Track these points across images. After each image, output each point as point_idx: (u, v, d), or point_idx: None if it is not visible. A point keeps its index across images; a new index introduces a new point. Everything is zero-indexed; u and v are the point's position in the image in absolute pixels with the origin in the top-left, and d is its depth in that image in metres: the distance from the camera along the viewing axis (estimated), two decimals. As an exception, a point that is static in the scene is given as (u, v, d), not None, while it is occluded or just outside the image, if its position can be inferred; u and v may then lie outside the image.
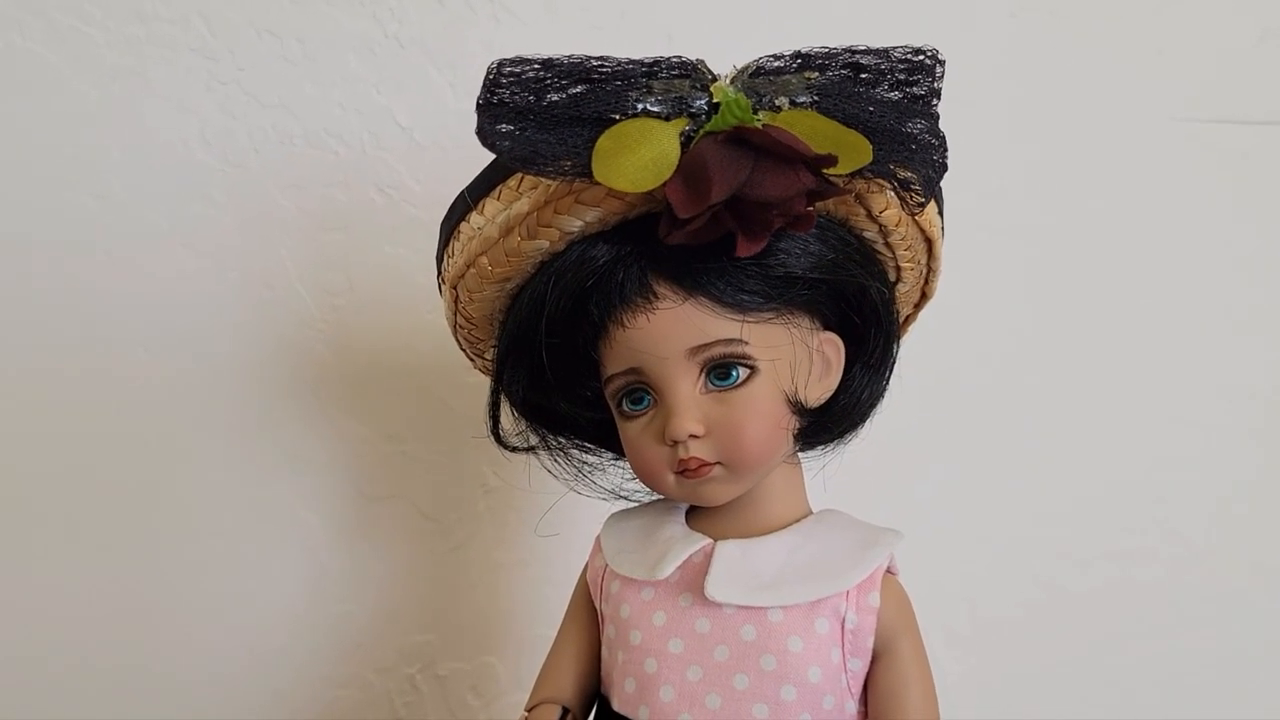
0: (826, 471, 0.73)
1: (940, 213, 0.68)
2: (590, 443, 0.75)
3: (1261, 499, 1.15)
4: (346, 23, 1.05)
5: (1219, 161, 1.15)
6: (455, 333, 0.74)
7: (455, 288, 0.69)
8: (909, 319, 0.76)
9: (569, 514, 0.90)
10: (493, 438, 0.73)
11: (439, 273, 0.71)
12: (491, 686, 1.10)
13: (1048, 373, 1.13)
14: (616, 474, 0.76)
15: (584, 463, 0.76)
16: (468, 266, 0.66)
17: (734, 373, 0.63)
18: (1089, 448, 1.13)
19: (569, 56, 0.58)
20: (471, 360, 0.78)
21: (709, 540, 0.67)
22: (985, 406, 1.13)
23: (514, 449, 0.74)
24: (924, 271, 0.70)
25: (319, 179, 1.06)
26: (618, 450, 0.73)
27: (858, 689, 0.65)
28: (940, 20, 1.11)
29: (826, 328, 0.67)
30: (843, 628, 0.64)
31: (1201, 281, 1.14)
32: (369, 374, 1.07)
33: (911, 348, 0.80)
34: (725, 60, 0.61)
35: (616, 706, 0.67)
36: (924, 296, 0.73)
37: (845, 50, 0.59)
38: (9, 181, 1.04)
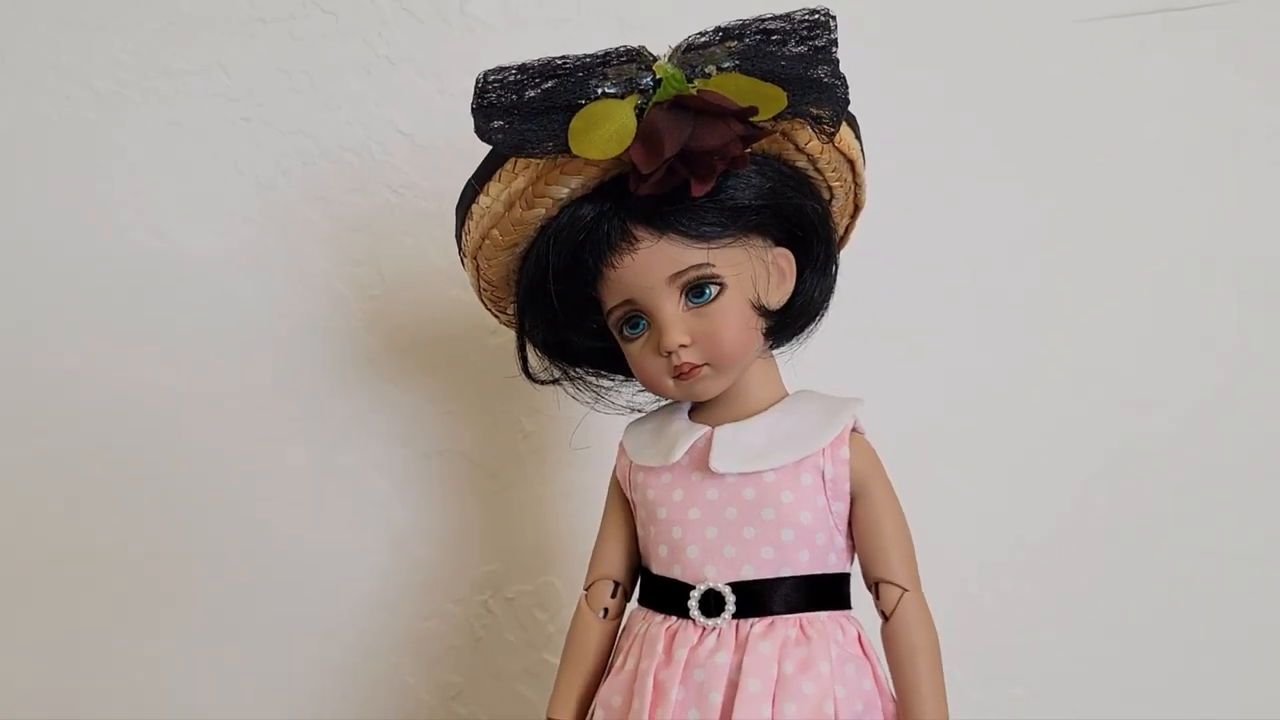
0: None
1: (858, 139, 0.81)
2: (603, 369, 0.88)
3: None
4: (343, 51, 1.18)
5: (1126, 57, 1.22)
6: (480, 296, 0.87)
7: (475, 258, 0.81)
8: (849, 229, 0.88)
9: (595, 438, 1.05)
10: (524, 375, 0.86)
11: (460, 249, 0.84)
12: (554, 601, 1.22)
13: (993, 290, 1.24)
14: (627, 393, 0.89)
15: (600, 387, 0.89)
16: (483, 239, 0.79)
17: (707, 290, 0.76)
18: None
19: (538, 60, 0.70)
20: (496, 317, 0.91)
21: (708, 427, 0.80)
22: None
23: (542, 382, 0.88)
24: (851, 188, 0.82)
25: (340, 189, 1.19)
26: (625, 372, 0.86)
27: (843, 526, 0.79)
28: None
29: (778, 244, 0.79)
30: (823, 478, 0.77)
31: (1120, 175, 1.23)
32: (408, 349, 1.20)
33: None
34: (672, 33, 0.73)
35: (656, 571, 0.81)
36: (856, 208, 0.85)
37: (755, 20, 0.71)
38: (77, 232, 1.18)
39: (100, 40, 1.17)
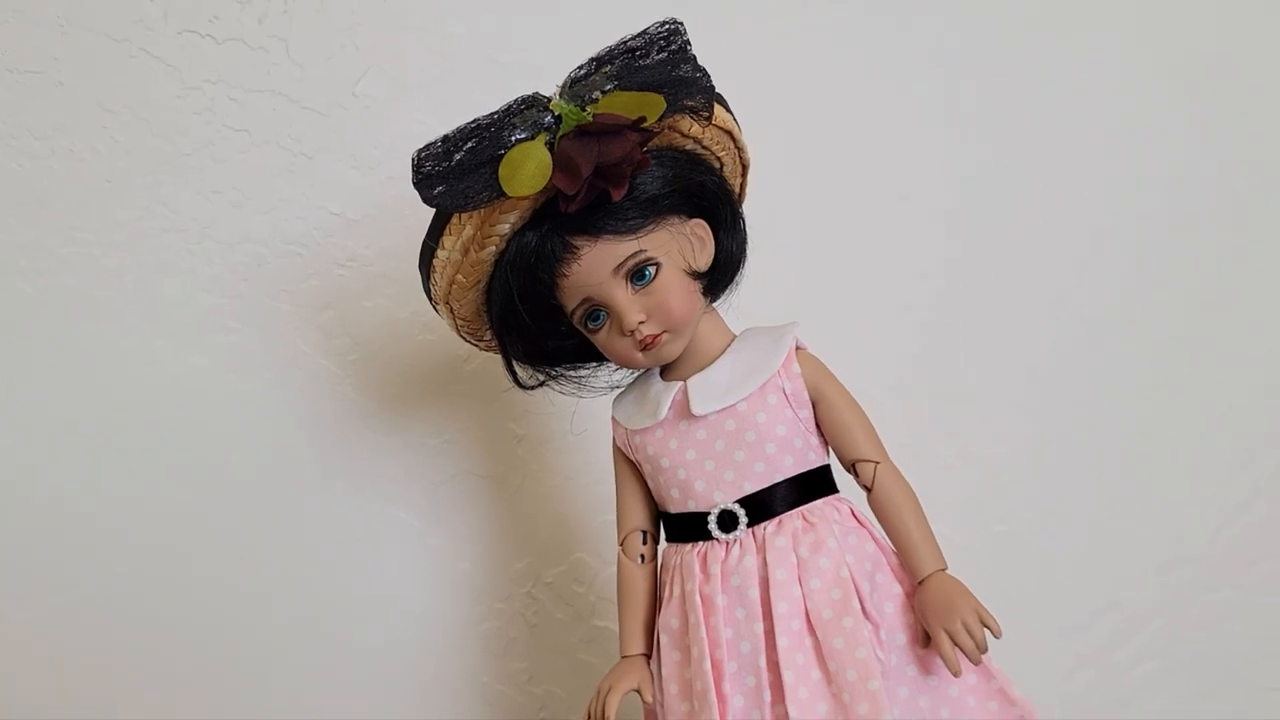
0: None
1: (729, 111, 0.92)
2: (579, 362, 1.00)
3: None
4: (263, 160, 1.29)
5: None
6: (459, 333, 0.98)
7: (447, 303, 0.93)
8: (743, 186, 0.99)
9: (588, 422, 1.17)
10: (516, 385, 0.98)
11: (430, 299, 0.95)
12: (587, 573, 1.33)
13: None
14: (604, 375, 1.01)
15: (580, 378, 1.01)
16: (450, 285, 0.91)
17: (647, 272, 0.88)
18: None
19: (455, 129, 0.82)
20: (475, 346, 1.01)
21: (681, 381, 0.93)
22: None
23: (531, 388, 0.99)
24: (735, 153, 0.94)
25: (296, 278, 1.29)
26: (599, 358, 0.98)
27: (812, 427, 0.92)
28: None
29: (691, 217, 0.91)
30: (785, 394, 0.90)
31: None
32: (396, 397, 1.31)
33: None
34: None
35: (674, 510, 0.93)
36: (744, 167, 0.97)
37: (619, 44, 0.84)
38: (79, 382, 1.29)
39: (49, 213, 1.28)
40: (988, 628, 0.84)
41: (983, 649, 0.84)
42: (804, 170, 1.32)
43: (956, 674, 0.84)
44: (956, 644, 0.84)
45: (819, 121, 1.34)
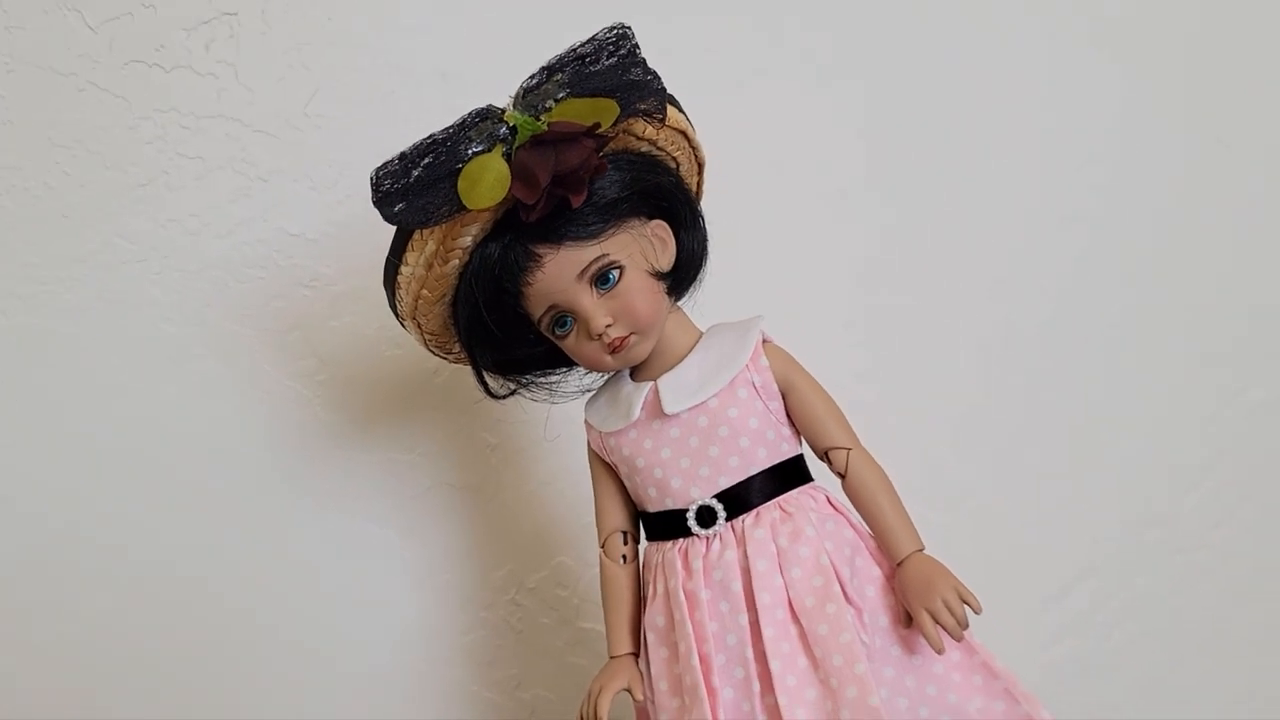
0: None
1: (682, 112, 0.93)
2: (549, 368, 1.00)
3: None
4: (219, 185, 1.28)
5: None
6: (428, 348, 0.99)
7: (414, 318, 0.93)
8: (700, 184, 1.00)
9: (562, 427, 1.18)
10: (488, 396, 0.98)
11: (397, 316, 0.95)
12: (569, 577, 1.34)
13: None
14: (574, 379, 1.01)
15: (550, 384, 1.01)
16: (416, 300, 0.91)
17: (610, 276, 0.88)
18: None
19: (412, 145, 0.82)
20: (444, 359, 1.02)
21: (651, 382, 0.93)
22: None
23: (503, 397, 1.00)
24: (690, 151, 0.95)
25: (260, 301, 1.29)
26: (568, 364, 0.98)
27: (783, 418, 0.93)
28: None
29: (651, 218, 0.92)
30: (754, 387, 0.91)
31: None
32: (367, 413, 1.31)
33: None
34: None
35: (652, 510, 0.94)
36: (700, 165, 0.98)
37: (568, 51, 0.84)
38: (48, 420, 1.28)
39: (6, 252, 1.27)
40: (968, 604, 0.86)
41: (964, 626, 0.85)
42: (760, 163, 1.33)
43: (940, 652, 0.86)
44: (938, 622, 0.85)
45: (774, 120, 1.35)
